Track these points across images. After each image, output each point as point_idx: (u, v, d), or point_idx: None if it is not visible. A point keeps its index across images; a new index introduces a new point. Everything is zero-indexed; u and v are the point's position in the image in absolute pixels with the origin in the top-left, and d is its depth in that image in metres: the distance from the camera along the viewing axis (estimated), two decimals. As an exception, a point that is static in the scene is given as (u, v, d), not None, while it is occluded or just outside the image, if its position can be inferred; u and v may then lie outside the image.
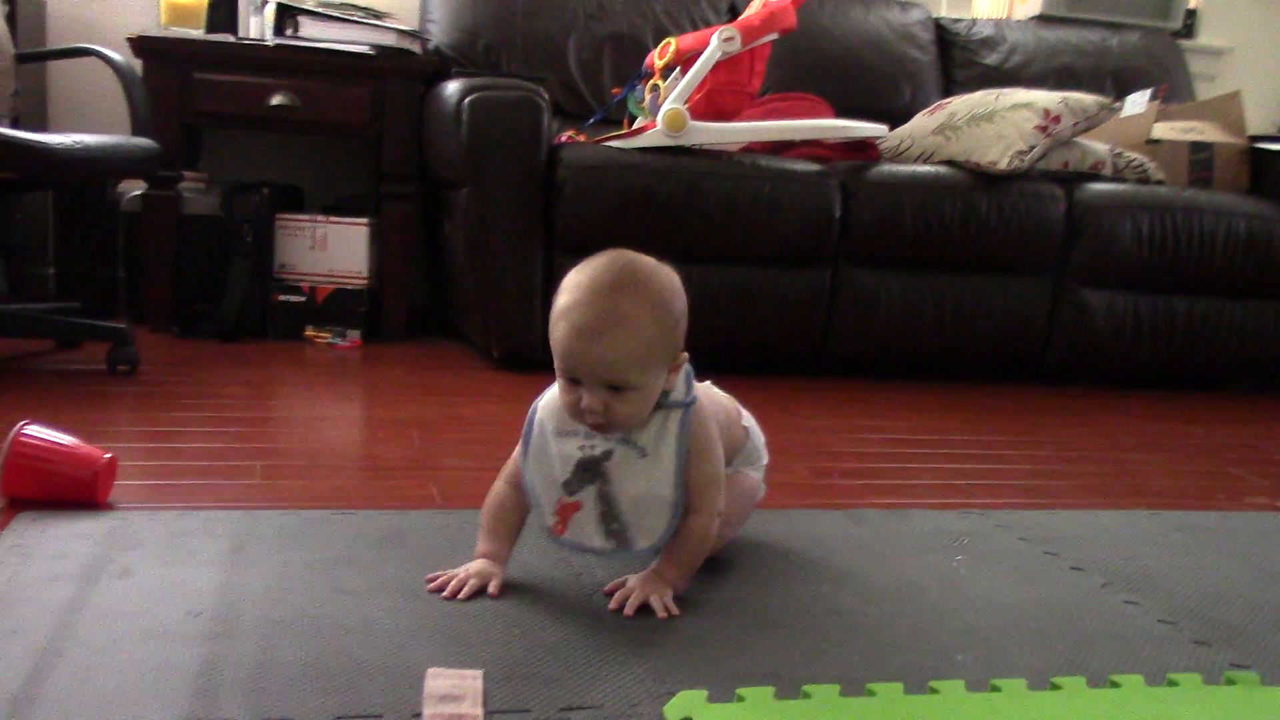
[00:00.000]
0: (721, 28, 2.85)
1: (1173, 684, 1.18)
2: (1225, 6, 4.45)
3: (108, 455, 1.59)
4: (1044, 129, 2.97)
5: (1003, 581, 1.48)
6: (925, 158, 3.14)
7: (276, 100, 3.09)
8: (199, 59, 3.09)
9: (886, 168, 3.02)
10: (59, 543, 1.39)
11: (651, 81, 3.00)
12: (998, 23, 4.01)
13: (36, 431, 1.57)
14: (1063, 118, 3.00)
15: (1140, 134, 3.37)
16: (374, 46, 3.15)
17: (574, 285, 1.22)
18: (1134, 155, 3.25)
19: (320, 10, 3.16)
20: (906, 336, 3.03)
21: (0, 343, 2.71)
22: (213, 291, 3.12)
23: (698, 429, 1.30)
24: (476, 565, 1.32)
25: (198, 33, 3.13)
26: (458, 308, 3.20)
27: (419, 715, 1.00)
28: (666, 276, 1.25)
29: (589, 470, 1.28)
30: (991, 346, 3.09)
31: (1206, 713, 1.13)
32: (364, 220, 3.21)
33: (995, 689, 1.14)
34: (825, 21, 3.70)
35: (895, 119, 3.35)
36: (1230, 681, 1.20)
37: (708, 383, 1.45)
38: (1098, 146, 3.19)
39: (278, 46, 3.12)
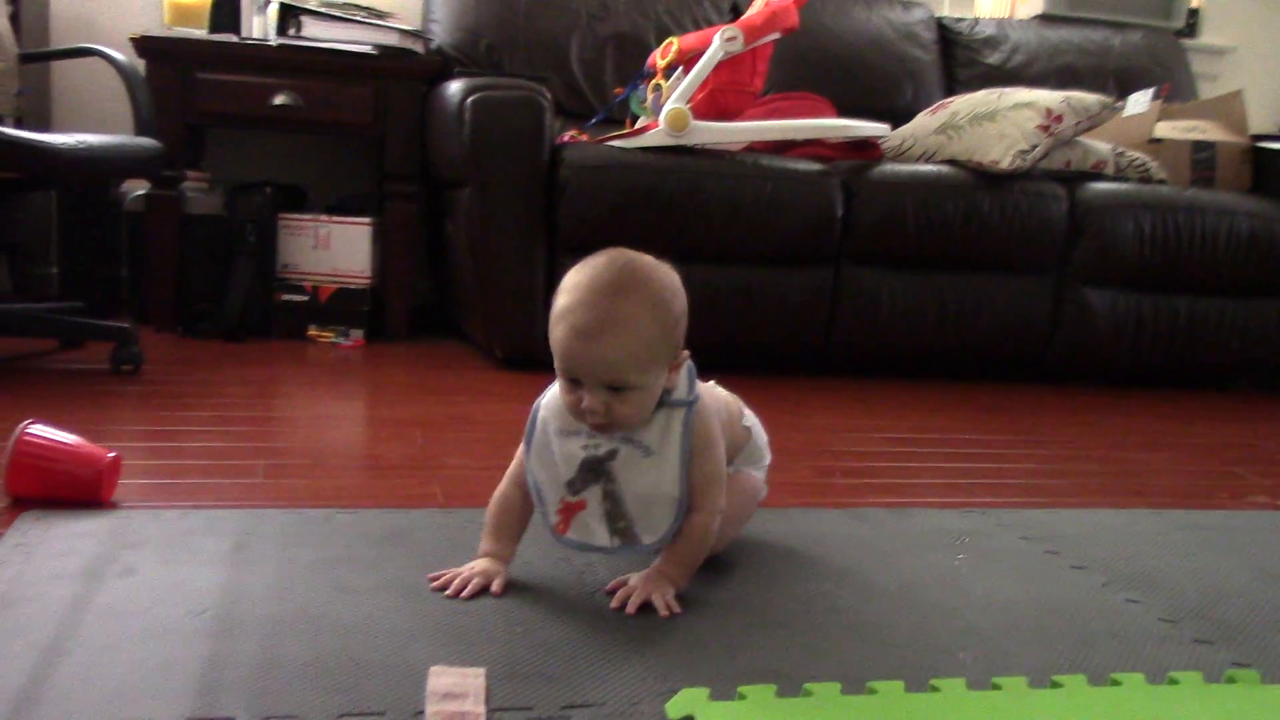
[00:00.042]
0: (724, 27, 2.86)
1: (1173, 682, 1.18)
2: (1228, 6, 4.45)
3: (111, 454, 1.59)
4: (1046, 128, 2.98)
5: (1004, 580, 1.48)
6: (927, 157, 3.15)
7: (279, 100, 3.10)
8: (202, 59, 3.09)
9: (889, 167, 3.03)
10: (63, 541, 1.40)
11: (654, 81, 3.00)
12: (1000, 22, 4.02)
13: (40, 431, 1.58)
14: (1065, 117, 3.00)
15: (1142, 133, 3.37)
16: (376, 46, 3.15)
17: (573, 285, 1.22)
18: (1136, 154, 3.25)
19: (323, 10, 3.16)
20: (908, 336, 3.03)
21: (4, 342, 2.71)
22: (216, 291, 3.13)
23: (701, 427, 1.30)
24: (480, 564, 1.33)
25: (201, 32, 3.14)
26: (460, 307, 3.20)
27: (421, 713, 1.01)
28: (666, 275, 1.25)
29: (593, 470, 1.28)
30: (993, 346, 3.09)
31: (1207, 711, 1.13)
32: (367, 220, 3.21)
33: (996, 687, 1.14)
34: (827, 21, 3.71)
35: (897, 118, 3.35)
36: (1231, 680, 1.20)
37: (711, 382, 1.45)
38: (1100, 146, 3.19)
39: (280, 46, 3.12)
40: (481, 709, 1.02)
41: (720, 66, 2.85)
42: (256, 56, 3.12)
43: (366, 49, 3.13)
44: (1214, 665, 1.24)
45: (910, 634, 1.28)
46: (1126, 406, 2.94)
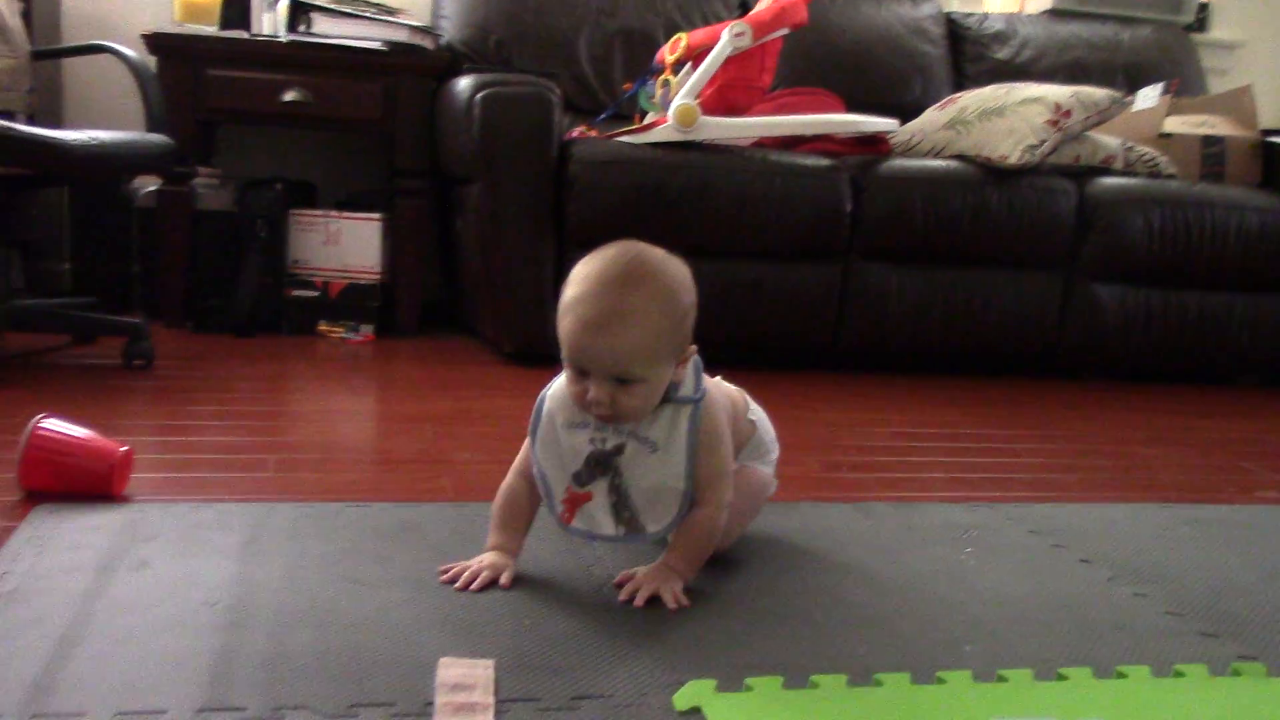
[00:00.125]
0: (732, 23, 2.86)
1: (1179, 675, 1.19)
2: (1237, 0, 4.44)
3: (124, 448, 1.61)
4: (1054, 123, 2.97)
5: (1011, 574, 1.48)
6: (936, 152, 3.15)
7: (289, 96, 3.11)
8: (213, 55, 3.10)
9: (897, 162, 3.03)
10: (76, 534, 1.41)
11: (663, 77, 3.00)
12: (1009, 17, 4.01)
13: (54, 425, 1.59)
14: (1073, 112, 3.00)
15: (1152, 128, 3.37)
16: (386, 43, 3.16)
17: (582, 277, 1.23)
18: (1145, 149, 3.24)
19: (333, 6, 3.17)
20: (917, 331, 3.03)
21: (18, 337, 2.73)
22: (227, 286, 3.14)
23: (707, 423, 1.30)
24: (488, 557, 1.34)
25: (211, 29, 3.15)
26: (470, 303, 3.21)
27: (431, 704, 1.02)
28: (676, 269, 1.26)
29: (600, 464, 1.29)
30: (1002, 341, 3.09)
31: (1213, 703, 1.14)
32: (377, 215, 3.22)
33: (1002, 679, 1.15)
34: (836, 16, 3.70)
35: (906, 114, 3.35)
36: (1237, 673, 1.20)
37: (718, 378, 1.46)
38: (1109, 141, 3.19)
39: (291, 43, 3.13)
40: (490, 700, 1.03)
41: (729, 62, 2.85)
42: (267, 53, 3.13)
43: (376, 45, 3.14)
44: (1220, 658, 1.24)
45: (917, 627, 1.28)
46: (1135, 401, 2.94)
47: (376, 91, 3.17)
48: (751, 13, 2.97)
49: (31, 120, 2.79)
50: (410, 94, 3.20)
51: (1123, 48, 3.98)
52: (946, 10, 3.96)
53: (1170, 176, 3.22)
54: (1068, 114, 2.99)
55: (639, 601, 1.27)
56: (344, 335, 3.17)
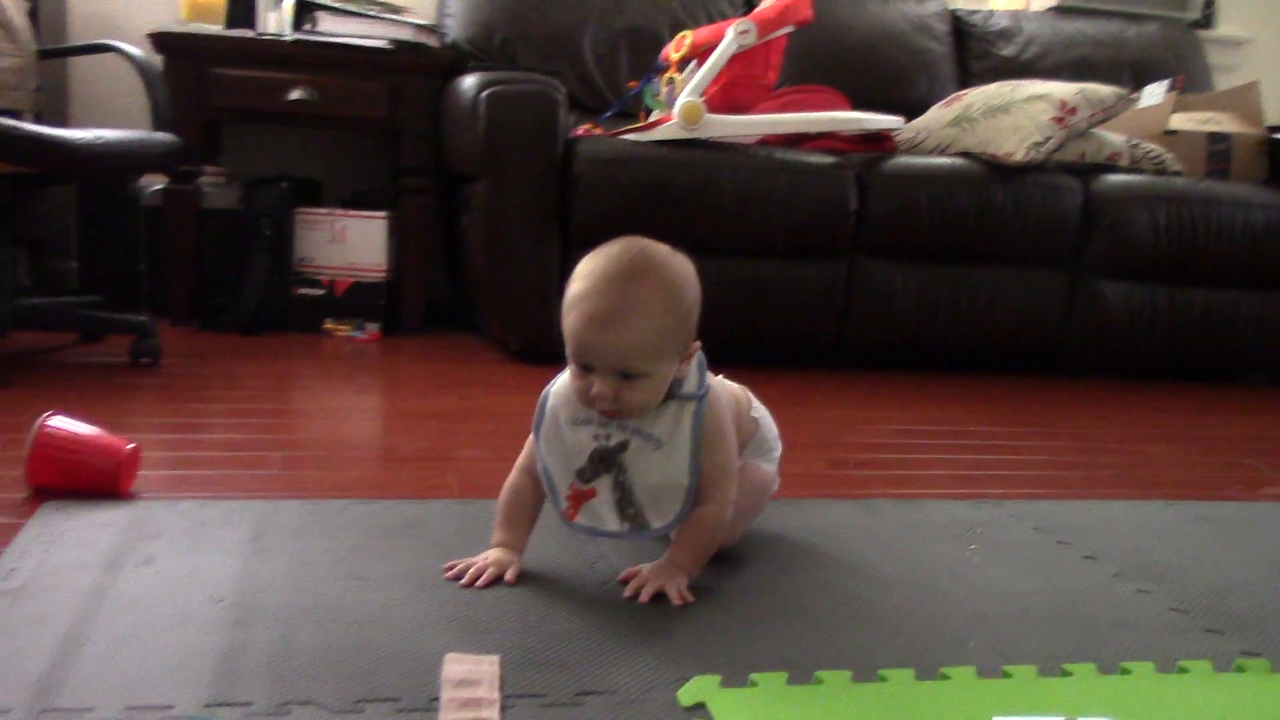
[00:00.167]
0: (737, 20, 2.86)
1: (1183, 671, 1.19)
2: (1244, -3, 4.44)
3: (130, 446, 1.61)
4: (1060, 120, 2.97)
5: (1015, 570, 1.48)
6: (941, 150, 3.15)
7: (295, 95, 3.11)
8: (218, 54, 3.11)
9: (902, 160, 3.03)
10: (83, 531, 1.41)
11: (667, 74, 3.01)
12: (1014, 14, 4.01)
13: (61, 423, 1.60)
14: (1079, 109, 3.00)
15: (1157, 125, 3.37)
16: (391, 41, 3.16)
17: (587, 273, 1.23)
18: (1151, 146, 3.24)
19: (338, 5, 3.18)
20: (922, 328, 3.03)
21: (25, 336, 2.74)
22: (233, 285, 3.15)
23: (711, 419, 1.31)
24: (493, 554, 1.34)
25: (217, 28, 3.16)
26: (475, 301, 3.22)
27: (436, 699, 1.02)
28: (680, 264, 1.26)
29: (604, 461, 1.29)
30: (1007, 338, 3.09)
31: (1216, 699, 1.14)
32: (382, 214, 3.22)
33: (1006, 675, 1.15)
34: (841, 14, 3.70)
35: (911, 111, 3.35)
36: (1241, 669, 1.20)
37: (720, 376, 1.46)
38: (1114, 138, 3.19)
39: (296, 42, 3.14)
40: (495, 696, 1.03)
41: (734, 60, 2.85)
42: (272, 52, 3.14)
43: (381, 44, 3.15)
44: (1224, 654, 1.24)
45: (921, 623, 1.28)
46: (1140, 399, 2.94)
47: (382, 90, 3.18)
48: (756, 10, 2.98)
49: (38, 119, 2.80)
50: (415, 92, 3.20)
51: (1128, 44, 3.98)
52: (951, 7, 3.96)
53: (1176, 173, 3.22)
54: (1073, 111, 2.99)
55: (644, 598, 1.27)
56: (350, 333, 3.18)
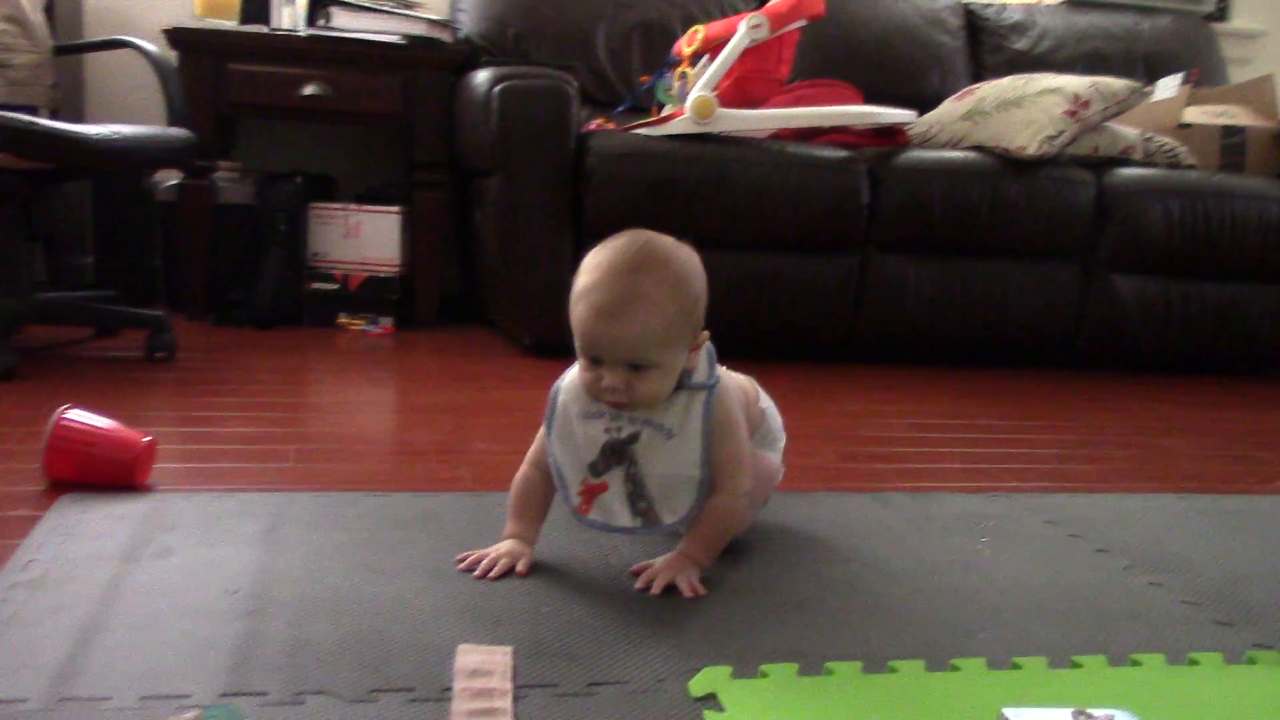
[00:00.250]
0: (749, 15, 2.86)
1: (1194, 663, 1.19)
2: (1259, -11, 4.42)
3: (146, 439, 1.62)
4: (1073, 114, 2.97)
5: (1026, 563, 1.49)
6: (954, 143, 3.14)
7: (309, 90, 3.12)
8: (233, 50, 3.12)
9: (914, 154, 3.02)
10: (100, 523, 1.43)
11: (680, 69, 3.01)
12: (1027, 7, 3.99)
13: (77, 416, 1.61)
14: (1092, 102, 2.99)
15: (1171, 118, 3.35)
16: (405, 36, 3.17)
17: (593, 266, 1.24)
18: (1164, 139, 3.23)
19: (351, 1, 3.19)
20: (934, 322, 3.03)
21: (42, 330, 2.75)
22: (247, 279, 3.16)
23: (721, 410, 1.31)
24: (505, 545, 1.35)
25: (231, 24, 3.17)
26: (488, 295, 3.23)
27: (449, 690, 1.03)
28: (685, 255, 1.27)
29: (615, 453, 1.30)
30: (1020, 332, 3.09)
31: (1227, 691, 1.14)
32: (396, 209, 3.23)
33: (1016, 667, 1.16)
34: (854, 8, 3.70)
35: (924, 105, 3.35)
36: (1252, 661, 1.21)
37: (724, 368, 1.46)
38: (1128, 131, 3.18)
39: (310, 37, 3.15)
40: (508, 686, 1.04)
41: (746, 54, 2.85)
42: (287, 47, 3.15)
43: (395, 39, 3.16)
44: (1235, 646, 1.24)
45: (932, 615, 1.29)
46: (1153, 392, 2.93)
47: (395, 85, 3.18)
48: (769, 4, 2.97)
49: (54, 115, 2.82)
50: (429, 87, 3.21)
51: (1142, 37, 3.97)
52: (964, 1, 3.95)
53: (1190, 167, 3.21)
54: (1086, 104, 2.98)
55: (655, 590, 1.28)
56: (363, 328, 3.19)
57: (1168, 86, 3.45)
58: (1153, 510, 1.79)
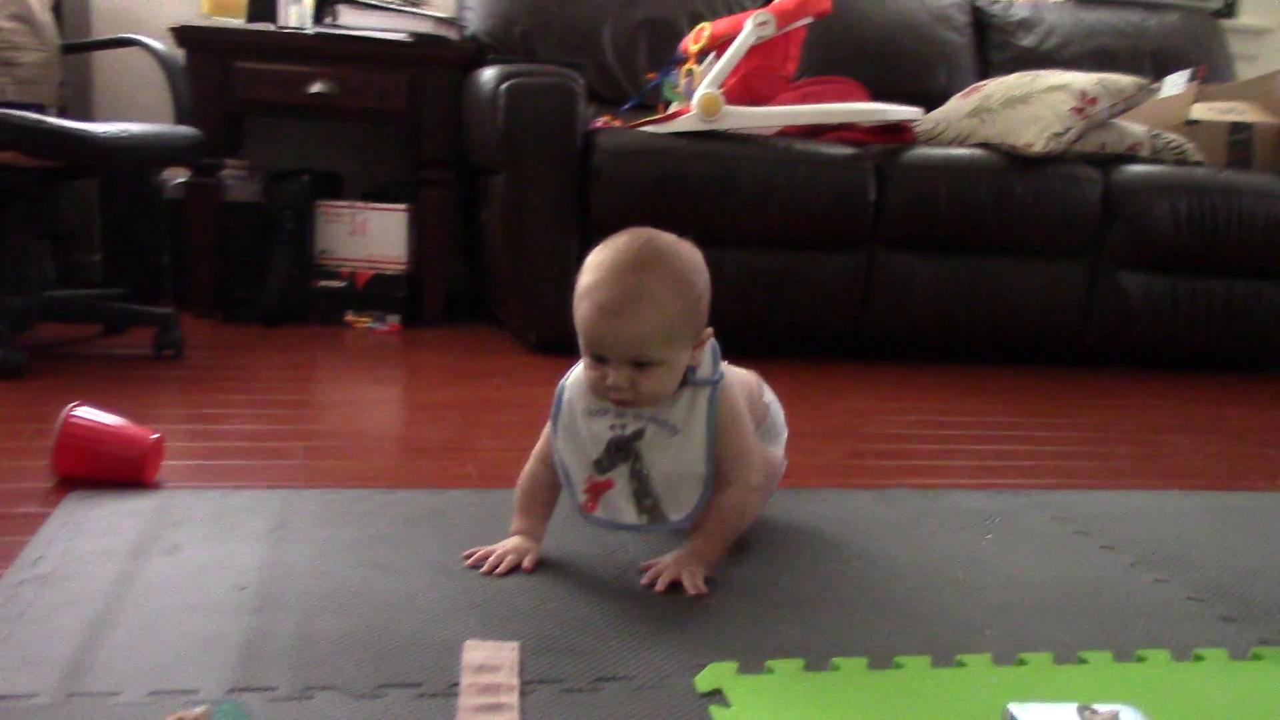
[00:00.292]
0: (756, 12, 2.86)
1: (1199, 659, 1.19)
2: (1266, -15, 4.41)
3: (154, 436, 1.63)
4: (1080, 110, 2.96)
5: (1032, 560, 1.49)
6: (960, 140, 3.14)
7: (316, 88, 3.13)
8: (240, 48, 3.13)
9: (921, 151, 3.02)
10: (109, 520, 1.43)
11: (686, 66, 3.01)
12: (1034, 4, 3.99)
13: (86, 413, 1.62)
14: (1099, 99, 2.98)
15: (1178, 115, 3.35)
16: (411, 34, 3.18)
17: (596, 264, 1.24)
18: (1172, 136, 3.22)
19: (358, -2, 3.20)
20: (941, 319, 3.03)
21: (50, 328, 2.76)
22: (255, 277, 3.17)
23: (726, 404, 1.32)
24: (512, 542, 1.35)
25: (238, 22, 3.18)
26: (495, 292, 3.23)
27: (456, 685, 1.03)
28: (688, 253, 1.27)
29: (620, 450, 1.30)
30: (1027, 329, 3.08)
31: (1232, 686, 1.14)
32: (403, 206, 3.24)
33: (1022, 662, 1.16)
34: (860, 5, 3.69)
35: (931, 102, 3.34)
36: (1258, 657, 1.21)
37: (726, 363, 1.46)
38: (1135, 128, 3.17)
39: (317, 35, 3.15)
40: (515, 681, 1.04)
41: (752, 51, 2.85)
42: (293, 45, 3.15)
43: (402, 37, 3.16)
44: (1240, 642, 1.24)
45: (938, 611, 1.29)
46: (1160, 390, 2.92)
47: (402, 83, 3.19)
48: (775, 2, 2.97)
49: (62, 113, 2.83)
50: (435, 85, 3.21)
51: (1149, 34, 3.96)
52: (972, -2, 3.94)
53: (1197, 164, 3.20)
54: (1093, 101, 2.98)
55: (660, 587, 1.28)
56: (370, 325, 3.20)
57: (1175, 83, 3.44)
58: (1159, 507, 1.79)
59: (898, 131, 3.09)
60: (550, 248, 2.80)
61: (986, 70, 3.74)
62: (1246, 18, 4.37)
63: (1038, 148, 2.94)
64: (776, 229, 2.88)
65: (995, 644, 1.20)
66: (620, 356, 1.23)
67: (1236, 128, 3.31)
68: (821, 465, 1.93)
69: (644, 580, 1.30)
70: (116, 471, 1.58)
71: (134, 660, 1.05)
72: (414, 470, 1.81)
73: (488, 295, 3.37)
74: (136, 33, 2.91)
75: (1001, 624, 1.26)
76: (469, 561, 1.33)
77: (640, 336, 1.22)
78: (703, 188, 2.79)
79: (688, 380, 1.30)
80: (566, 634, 1.16)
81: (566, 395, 1.34)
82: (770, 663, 1.11)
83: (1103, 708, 0.93)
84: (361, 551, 1.37)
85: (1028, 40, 3.86)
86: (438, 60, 3.22)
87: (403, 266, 3.23)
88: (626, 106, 3.27)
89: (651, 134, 2.86)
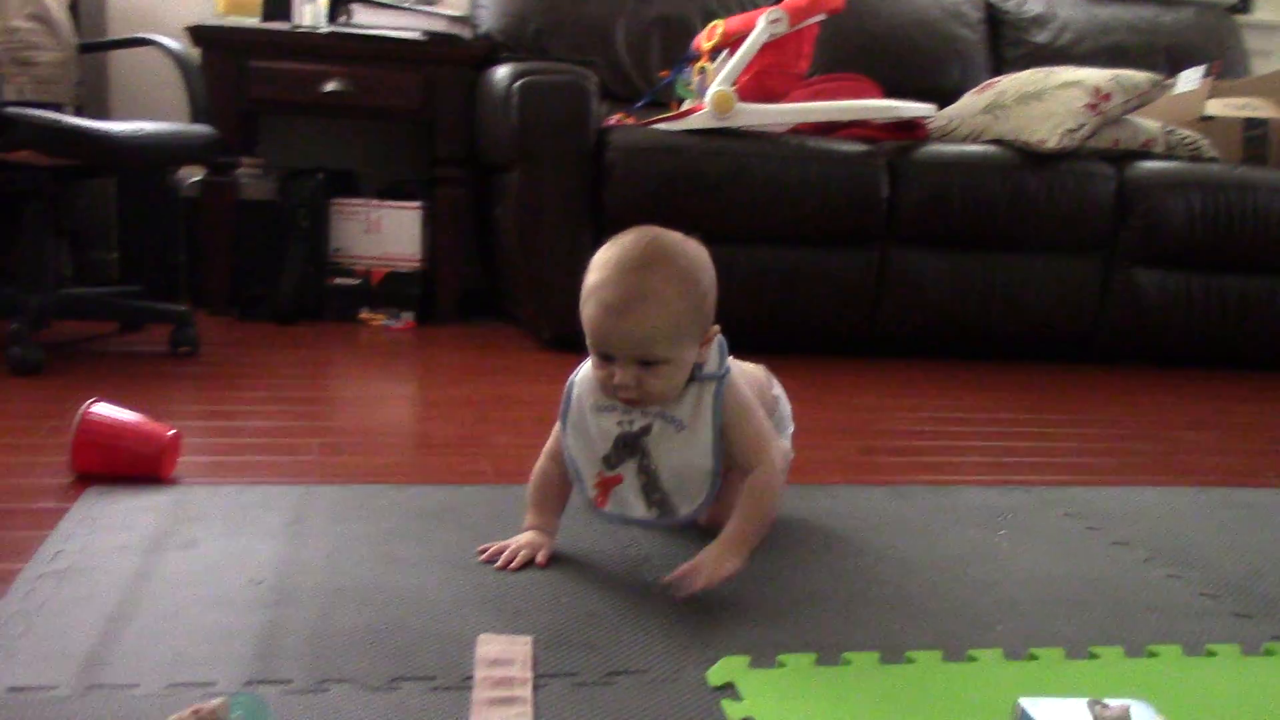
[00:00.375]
0: (769, 9, 2.87)
1: (1211, 654, 1.20)
2: (1282, -19, 4.39)
3: (171, 432, 1.64)
4: (1093, 107, 2.96)
5: (1045, 556, 1.49)
6: (974, 137, 3.14)
7: (330, 86, 3.14)
8: (255, 47, 3.14)
9: (934, 147, 3.02)
10: (126, 515, 1.45)
11: (699, 64, 3.02)
12: (1048, 0, 3.98)
13: (103, 410, 1.63)
14: (1113, 95, 2.98)
15: (1193, 111, 3.34)
16: (425, 32, 3.19)
17: (602, 263, 1.25)
18: (1186, 132, 3.21)
19: (372, -3, 3.21)
20: (954, 316, 3.02)
21: (68, 325, 2.78)
22: (270, 275, 3.18)
23: (732, 398, 1.32)
24: (525, 537, 1.36)
25: (253, 21, 3.20)
26: (509, 290, 3.24)
27: (470, 678, 1.04)
28: (693, 250, 1.28)
29: (628, 445, 1.31)
30: (1041, 326, 3.08)
31: (1244, 682, 1.14)
32: (417, 204, 3.25)
33: (1033, 658, 1.16)
34: (873, 1, 3.69)
35: (944, 98, 3.34)
36: (1270, 653, 1.21)
37: (733, 358, 1.46)
38: (1149, 124, 3.17)
39: (331, 34, 3.17)
40: (528, 675, 1.05)
41: (765, 49, 2.86)
42: (308, 44, 3.17)
43: (415, 35, 3.17)
44: (1253, 638, 1.24)
45: (949, 607, 1.29)
46: (1174, 386, 2.92)
47: (416, 81, 3.20)
48: (787, -1, 2.97)
49: (79, 112, 2.84)
50: (449, 83, 3.22)
51: (1164, 30, 3.95)
52: (985, -6, 3.93)
53: (1211, 160, 3.19)
54: (1107, 97, 2.97)
55: (693, 589, 1.23)
56: (385, 322, 3.21)
57: (1189, 79, 3.43)
58: (1172, 503, 1.79)
59: (911, 128, 3.09)
60: (563, 245, 2.80)
61: (1000, 67, 3.73)
62: (1261, 13, 4.36)
63: (1051, 144, 2.94)
64: (789, 226, 2.88)
65: (1007, 639, 1.20)
66: (626, 355, 1.24)
67: (1251, 123, 3.30)
68: (834, 461, 1.94)
69: (670, 576, 1.25)
70: (134, 467, 1.60)
71: (152, 653, 1.06)
72: (428, 466, 1.82)
73: (501, 292, 3.38)
74: (152, 32, 2.92)
75: (1013, 619, 1.26)
76: (483, 556, 1.34)
77: (646, 335, 1.22)
78: (716, 185, 2.80)
79: (694, 376, 1.30)
80: (579, 628, 1.17)
81: (575, 391, 1.35)
82: (782, 656, 1.12)
83: (1114, 703, 0.93)
84: (376, 546, 1.38)
85: (1041, 36, 3.85)
86: (451, 59, 3.23)
87: (417, 264, 3.24)
88: (639, 104, 3.27)
89: (664, 131, 2.86)
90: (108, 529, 1.39)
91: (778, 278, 2.89)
